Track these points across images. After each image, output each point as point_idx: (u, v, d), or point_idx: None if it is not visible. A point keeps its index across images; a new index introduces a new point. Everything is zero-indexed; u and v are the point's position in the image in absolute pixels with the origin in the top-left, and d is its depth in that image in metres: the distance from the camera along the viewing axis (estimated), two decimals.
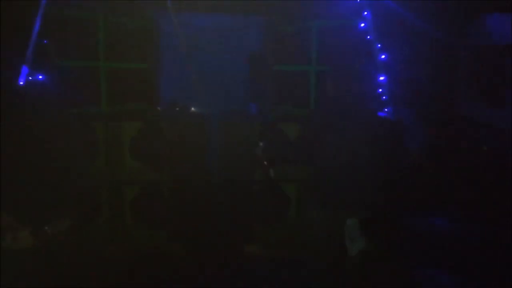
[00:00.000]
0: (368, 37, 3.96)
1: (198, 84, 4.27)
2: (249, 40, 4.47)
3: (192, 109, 4.37)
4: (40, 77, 3.54)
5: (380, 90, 3.95)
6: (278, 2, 4.17)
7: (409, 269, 3.41)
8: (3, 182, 2.05)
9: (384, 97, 3.96)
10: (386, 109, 3.97)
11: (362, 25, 3.97)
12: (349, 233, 3.55)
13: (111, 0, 3.96)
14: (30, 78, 3.56)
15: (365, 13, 3.96)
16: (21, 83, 3.54)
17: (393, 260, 3.45)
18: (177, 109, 4.31)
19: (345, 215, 3.69)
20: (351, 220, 3.51)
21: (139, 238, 3.98)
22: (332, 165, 3.72)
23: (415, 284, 3.33)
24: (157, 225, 4.04)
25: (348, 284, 3.30)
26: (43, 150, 2.79)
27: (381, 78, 3.94)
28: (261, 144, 4.11)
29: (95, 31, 4.05)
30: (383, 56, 3.90)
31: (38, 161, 2.04)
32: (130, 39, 4.26)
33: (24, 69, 3.54)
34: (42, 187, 2.09)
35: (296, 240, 3.94)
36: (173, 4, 4.01)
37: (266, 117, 4.34)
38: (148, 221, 4.10)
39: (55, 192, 2.46)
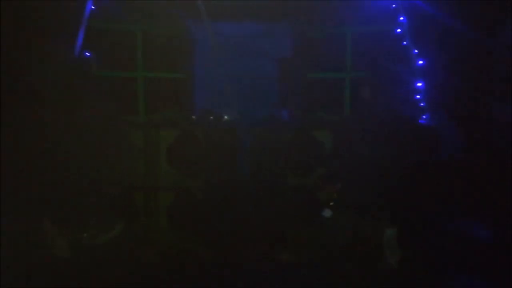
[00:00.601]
0: (404, 42, 3.89)
1: (232, 91, 4.33)
2: (282, 47, 4.49)
3: (226, 116, 4.43)
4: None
5: (418, 96, 3.87)
6: (312, 9, 4.15)
7: (446, 276, 3.33)
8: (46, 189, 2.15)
9: (421, 103, 3.88)
10: (423, 116, 3.89)
11: (398, 30, 3.90)
12: (388, 243, 3.51)
13: (148, 12, 4.09)
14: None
15: (401, 18, 3.88)
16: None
17: (431, 267, 3.39)
18: (211, 116, 4.39)
19: (380, 220, 3.64)
20: (390, 231, 3.47)
21: (173, 241, 4.08)
22: (368, 171, 3.68)
23: None
24: (191, 229, 4.13)
25: None
26: (83, 157, 2.90)
27: (418, 84, 3.86)
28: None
29: (134, 43, 4.21)
30: (420, 62, 3.82)
31: (77, 168, 2.13)
32: (167, 50, 4.38)
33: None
34: (81, 192, 2.18)
35: (329, 245, 3.92)
36: (207, 14, 4.08)
37: (299, 123, 4.34)
38: (182, 225, 4.19)
39: (96, 197, 2.55)
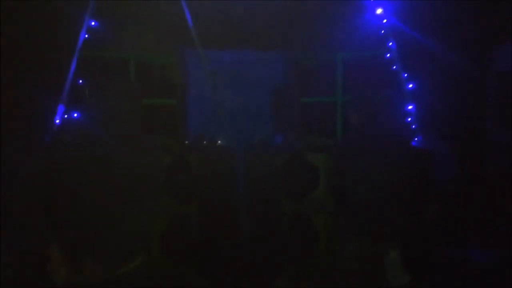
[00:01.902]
0: (394, 67, 3.98)
1: (225, 117, 4.34)
2: (275, 73, 4.56)
3: (219, 142, 4.42)
4: (75, 115, 3.69)
5: (409, 119, 3.92)
6: (302, 36, 4.25)
7: None
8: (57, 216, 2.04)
9: (413, 126, 3.92)
10: (415, 139, 3.92)
11: (388, 55, 4.00)
12: (391, 267, 3.43)
13: (141, 40, 4.15)
14: (66, 116, 3.72)
15: (390, 43, 3.99)
16: (57, 121, 3.71)
17: None
18: (204, 142, 4.38)
19: (375, 247, 3.58)
20: (392, 253, 3.40)
21: (167, 271, 3.95)
22: (361, 196, 3.65)
23: None
24: (186, 258, 4.02)
25: None
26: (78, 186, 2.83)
27: (409, 107, 3.92)
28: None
29: (126, 70, 4.23)
30: (410, 86, 3.90)
31: (75, 199, 2.03)
32: (160, 77, 4.42)
33: (60, 108, 3.71)
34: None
35: (325, 273, 3.84)
36: (199, 42, 4.15)
37: (292, 148, 4.34)
38: (176, 254, 4.08)
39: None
